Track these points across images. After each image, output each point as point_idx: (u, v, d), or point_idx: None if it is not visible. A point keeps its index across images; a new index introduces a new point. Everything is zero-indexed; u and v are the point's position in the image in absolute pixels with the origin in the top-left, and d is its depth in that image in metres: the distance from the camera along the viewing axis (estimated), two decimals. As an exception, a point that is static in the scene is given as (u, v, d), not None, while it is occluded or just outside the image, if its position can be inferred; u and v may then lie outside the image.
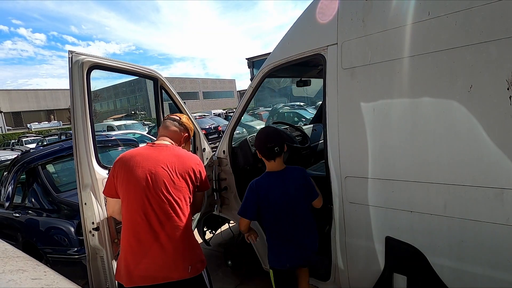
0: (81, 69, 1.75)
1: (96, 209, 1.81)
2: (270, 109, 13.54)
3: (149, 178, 1.37)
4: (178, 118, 1.66)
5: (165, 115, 2.25)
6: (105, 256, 1.87)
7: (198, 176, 1.53)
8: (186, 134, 1.66)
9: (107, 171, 1.90)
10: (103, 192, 1.54)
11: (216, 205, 2.73)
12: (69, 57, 1.73)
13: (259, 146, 1.76)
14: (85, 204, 1.79)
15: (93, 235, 1.82)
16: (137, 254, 1.36)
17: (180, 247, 1.40)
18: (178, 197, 1.41)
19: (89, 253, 1.86)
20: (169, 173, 1.41)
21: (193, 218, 2.46)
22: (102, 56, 1.89)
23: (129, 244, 1.38)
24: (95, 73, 1.86)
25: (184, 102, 2.57)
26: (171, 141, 1.58)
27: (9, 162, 4.04)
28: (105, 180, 1.84)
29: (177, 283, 1.37)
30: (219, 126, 12.99)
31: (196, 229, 2.86)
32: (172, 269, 1.37)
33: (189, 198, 1.48)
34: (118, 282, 1.43)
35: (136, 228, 1.37)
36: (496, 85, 1.26)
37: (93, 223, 1.80)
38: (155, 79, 2.32)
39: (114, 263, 1.88)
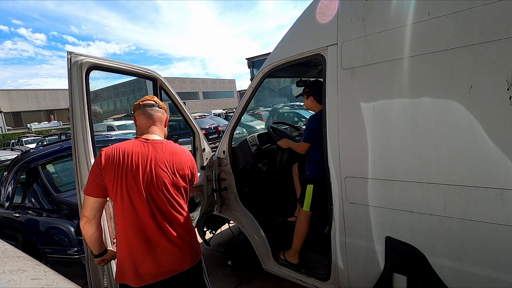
0: (80, 70, 1.75)
1: None
2: (270, 109, 13.53)
3: (151, 179, 1.36)
4: (154, 102, 1.53)
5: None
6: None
7: (193, 171, 1.55)
8: (167, 116, 1.58)
9: None
10: (85, 192, 1.35)
11: (216, 205, 2.73)
12: (68, 58, 1.73)
13: None
14: None
15: None
16: (145, 253, 1.35)
17: (186, 240, 1.44)
18: (177, 195, 1.43)
19: (88, 254, 1.86)
20: (168, 172, 1.41)
21: (192, 217, 2.47)
22: (101, 56, 1.89)
23: (135, 245, 1.36)
24: (95, 73, 1.86)
25: (184, 102, 2.57)
26: (159, 131, 1.52)
27: (9, 162, 4.05)
28: None
29: (184, 273, 1.42)
30: (219, 126, 12.99)
31: (196, 229, 2.86)
32: (182, 261, 1.41)
33: (187, 193, 1.51)
34: (120, 284, 1.40)
35: (143, 229, 1.35)
36: (496, 85, 1.26)
37: None
38: (154, 80, 2.32)
39: (113, 264, 1.88)
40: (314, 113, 2.43)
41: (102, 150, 1.38)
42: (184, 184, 1.47)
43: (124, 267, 1.37)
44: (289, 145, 2.56)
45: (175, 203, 1.41)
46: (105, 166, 1.33)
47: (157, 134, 1.50)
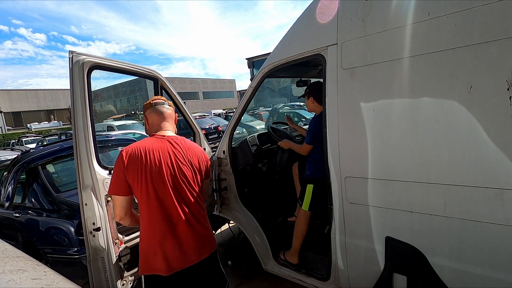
0: (82, 69, 1.75)
1: (97, 209, 1.80)
2: (270, 109, 13.53)
3: (175, 173, 1.44)
4: (163, 101, 1.61)
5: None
6: (106, 256, 1.87)
7: (207, 164, 1.63)
8: (176, 113, 1.68)
9: (107, 172, 1.89)
10: (110, 191, 1.44)
11: (216, 205, 2.73)
12: (69, 57, 1.73)
13: None
14: (86, 204, 1.79)
15: (93, 235, 1.81)
16: (176, 244, 1.43)
17: (207, 229, 1.56)
18: (197, 187, 1.53)
19: (90, 254, 1.85)
20: (187, 165, 1.50)
21: None
22: (102, 56, 1.89)
23: (165, 236, 1.42)
24: (95, 73, 1.86)
25: (184, 102, 2.57)
26: (172, 127, 1.60)
27: (9, 162, 4.04)
28: (106, 180, 1.84)
29: (205, 259, 1.52)
30: (219, 126, 12.99)
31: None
32: (204, 249, 1.52)
33: (202, 186, 1.60)
34: (146, 276, 1.45)
35: (172, 221, 1.43)
36: (496, 85, 1.26)
37: (94, 223, 1.80)
38: (155, 79, 2.32)
39: (112, 264, 1.88)
40: (314, 114, 2.43)
41: (123, 150, 1.42)
42: (200, 177, 1.56)
43: (154, 258, 1.42)
44: (290, 146, 2.56)
45: (196, 194, 1.51)
46: (128, 166, 1.38)
47: (170, 130, 1.58)
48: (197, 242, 1.49)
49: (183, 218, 1.45)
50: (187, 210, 1.46)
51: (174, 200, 1.43)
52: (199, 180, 1.54)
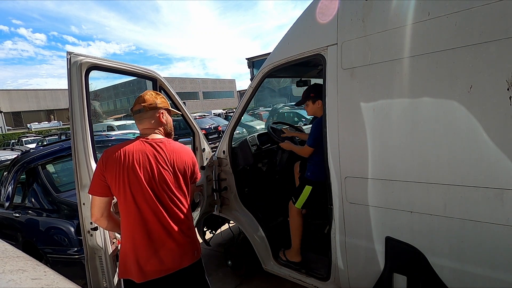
0: (80, 70, 1.75)
1: None
2: (270, 109, 13.52)
3: (153, 177, 1.39)
4: (141, 106, 1.49)
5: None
6: (103, 256, 1.88)
7: (193, 169, 1.57)
8: (161, 111, 1.52)
9: None
10: (89, 191, 1.42)
11: (216, 205, 2.73)
12: (67, 58, 1.73)
13: None
14: (84, 204, 1.79)
15: (91, 235, 1.82)
16: (148, 249, 1.39)
17: (188, 236, 1.49)
18: (179, 192, 1.47)
19: (88, 253, 1.86)
20: (169, 170, 1.44)
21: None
22: (100, 56, 1.89)
23: (138, 241, 1.39)
24: (95, 73, 1.86)
25: (184, 103, 2.57)
26: (157, 130, 1.51)
27: (9, 162, 4.04)
28: None
29: (185, 269, 1.46)
30: (219, 126, 12.98)
31: (196, 229, 2.86)
32: (184, 257, 1.46)
33: (188, 191, 1.54)
34: (124, 280, 1.43)
35: (147, 226, 1.39)
36: (496, 85, 1.26)
37: (91, 223, 1.80)
38: (154, 80, 2.32)
39: (109, 263, 1.89)
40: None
41: (104, 151, 1.41)
42: (185, 181, 1.50)
43: (128, 263, 1.40)
44: (292, 148, 2.55)
45: (177, 200, 1.45)
46: (106, 166, 1.37)
47: (156, 133, 1.51)
48: (176, 250, 1.42)
49: (160, 224, 1.40)
50: (166, 216, 1.40)
51: (151, 204, 1.38)
52: (182, 184, 1.48)
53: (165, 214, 1.40)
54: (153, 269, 1.38)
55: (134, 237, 1.39)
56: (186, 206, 1.51)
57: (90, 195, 1.43)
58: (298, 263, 2.38)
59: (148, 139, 1.46)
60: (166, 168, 1.43)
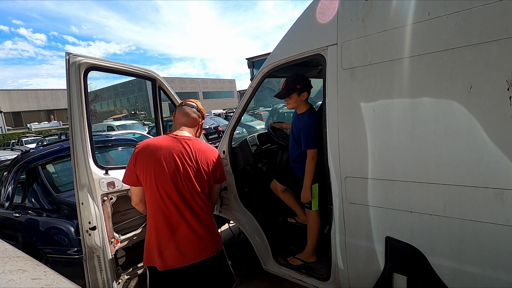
0: (78, 71, 1.75)
1: (93, 209, 1.82)
2: (270, 109, 13.52)
3: (178, 172, 1.47)
4: (195, 105, 1.71)
5: (162, 115, 2.29)
6: (101, 255, 1.88)
7: (217, 168, 1.64)
8: (202, 120, 1.73)
9: (104, 171, 1.91)
10: (122, 181, 1.55)
11: (216, 205, 2.73)
12: (66, 59, 1.74)
13: None
14: (82, 204, 1.80)
15: (89, 234, 1.83)
16: (169, 239, 1.47)
17: (207, 231, 1.57)
18: (203, 188, 1.55)
19: (86, 253, 1.87)
20: (194, 166, 1.52)
21: None
22: (99, 57, 1.89)
23: (161, 230, 1.48)
24: (95, 74, 1.87)
25: (184, 102, 2.57)
26: (190, 130, 1.64)
27: (9, 162, 4.04)
28: (102, 180, 1.88)
29: (205, 261, 1.53)
30: (219, 126, 12.98)
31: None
32: (203, 250, 1.53)
33: (210, 188, 1.63)
34: (149, 267, 1.52)
35: (167, 216, 1.47)
36: (496, 85, 1.26)
37: (89, 222, 1.81)
38: (153, 80, 2.32)
39: (107, 262, 1.90)
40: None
41: (137, 145, 1.53)
42: (208, 179, 1.58)
43: (151, 251, 1.49)
44: (307, 183, 2.23)
45: (198, 196, 1.52)
46: (137, 159, 1.48)
47: (187, 131, 1.62)
48: (195, 242, 1.50)
49: (183, 218, 1.48)
50: (188, 211, 1.49)
51: (174, 198, 1.46)
52: (205, 182, 1.56)
53: (186, 208, 1.48)
54: (173, 259, 1.46)
55: (157, 227, 1.47)
56: (207, 203, 1.59)
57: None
58: (310, 263, 2.38)
59: (177, 135, 1.55)
60: (191, 164, 1.51)
